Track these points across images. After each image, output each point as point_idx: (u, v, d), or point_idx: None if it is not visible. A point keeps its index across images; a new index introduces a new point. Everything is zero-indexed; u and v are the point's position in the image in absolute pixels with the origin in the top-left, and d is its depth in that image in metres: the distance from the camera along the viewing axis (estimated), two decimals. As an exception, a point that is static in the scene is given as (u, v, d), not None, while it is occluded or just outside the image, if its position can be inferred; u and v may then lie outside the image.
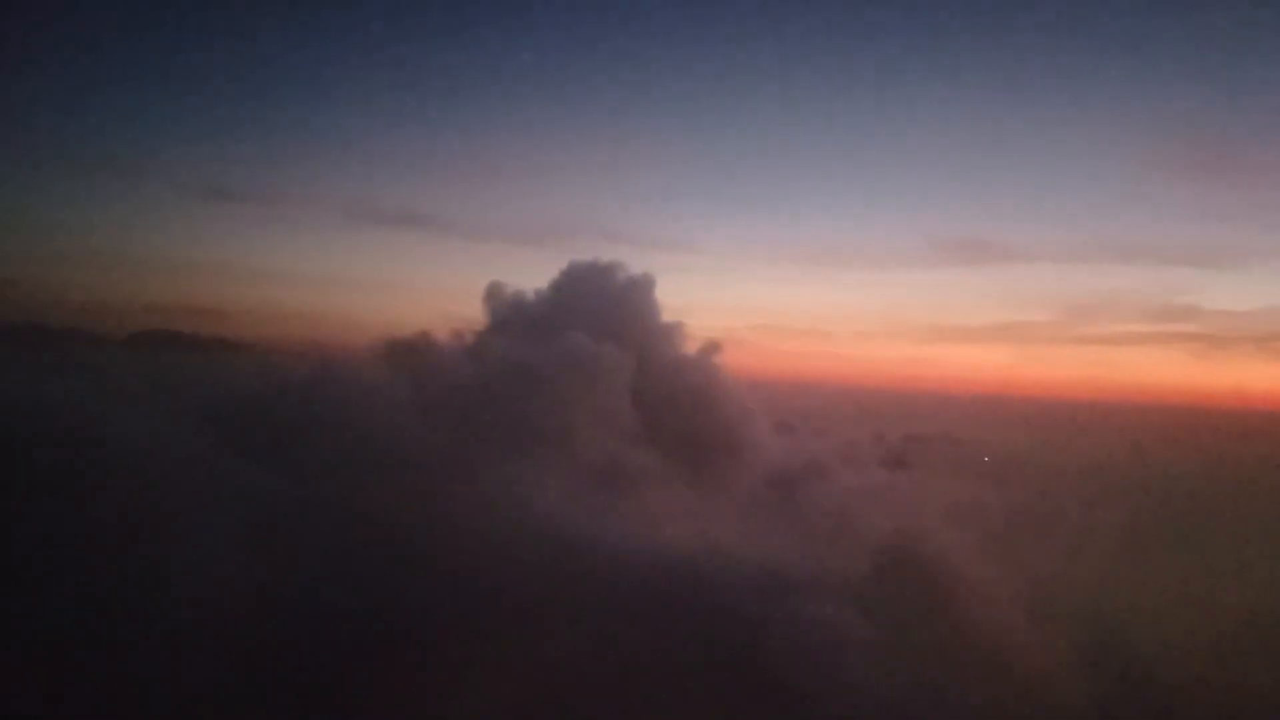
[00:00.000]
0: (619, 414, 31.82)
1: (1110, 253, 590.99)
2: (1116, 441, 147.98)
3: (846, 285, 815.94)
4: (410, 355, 35.66)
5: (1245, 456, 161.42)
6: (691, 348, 41.43)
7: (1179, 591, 55.23)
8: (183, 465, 25.61)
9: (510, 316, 38.84)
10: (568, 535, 24.41)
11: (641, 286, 40.17)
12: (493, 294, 39.14)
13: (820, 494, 46.16)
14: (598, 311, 38.22)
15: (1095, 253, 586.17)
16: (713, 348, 40.84)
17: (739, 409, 40.21)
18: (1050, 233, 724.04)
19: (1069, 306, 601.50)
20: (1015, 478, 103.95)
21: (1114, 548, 63.36)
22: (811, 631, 22.77)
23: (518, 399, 30.24)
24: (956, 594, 28.08)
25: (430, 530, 23.77)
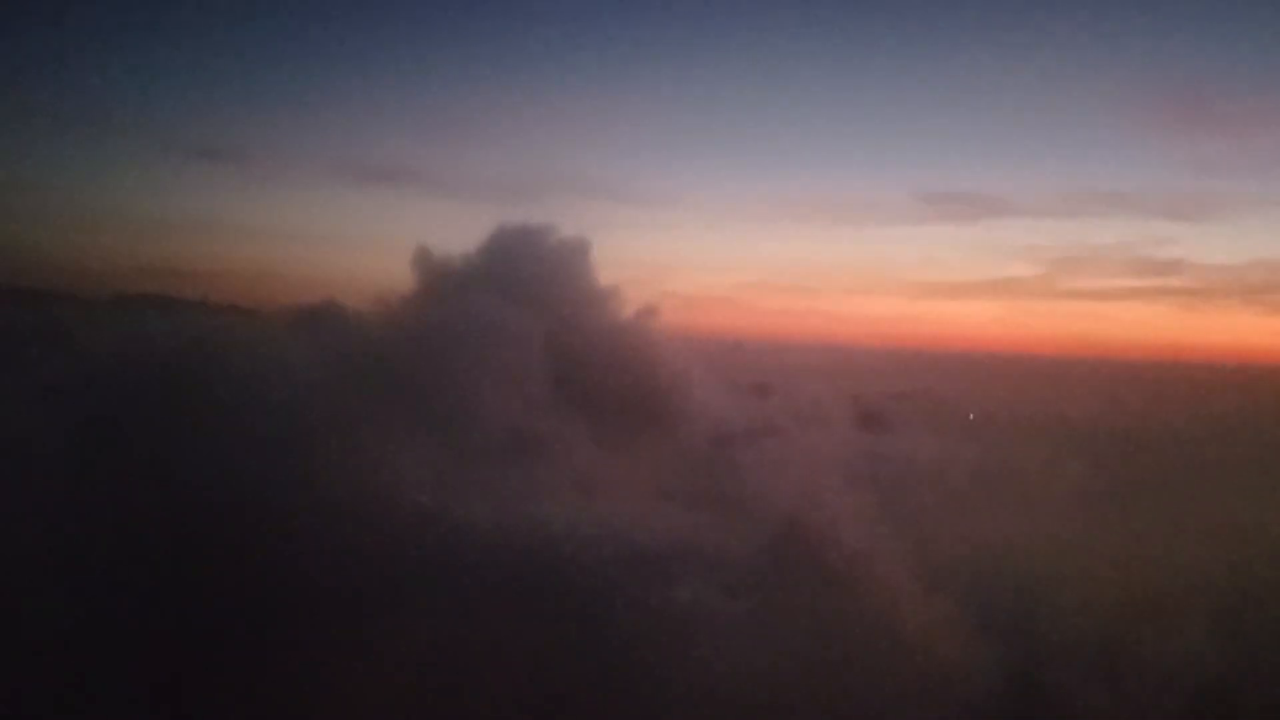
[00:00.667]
0: (527, 382, 30.38)
1: (1096, 206, 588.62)
2: (1101, 397, 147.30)
3: (832, 241, 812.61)
4: (317, 322, 34.30)
5: (1230, 410, 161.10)
6: (629, 312, 39.90)
7: (1142, 550, 54.57)
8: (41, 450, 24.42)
9: (435, 282, 37.34)
10: (437, 514, 23.16)
11: (575, 249, 38.62)
12: (420, 258, 37.57)
13: (763, 459, 45.16)
14: (526, 276, 36.68)
15: (1081, 207, 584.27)
16: (649, 311, 39.61)
17: (678, 374, 38.81)
18: (1036, 187, 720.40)
19: (1056, 261, 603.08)
20: (996, 435, 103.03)
21: (1087, 506, 62.62)
22: (684, 610, 21.82)
23: (411, 368, 28.84)
24: (869, 562, 27.18)
25: (287, 513, 22.56)
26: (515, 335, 31.37)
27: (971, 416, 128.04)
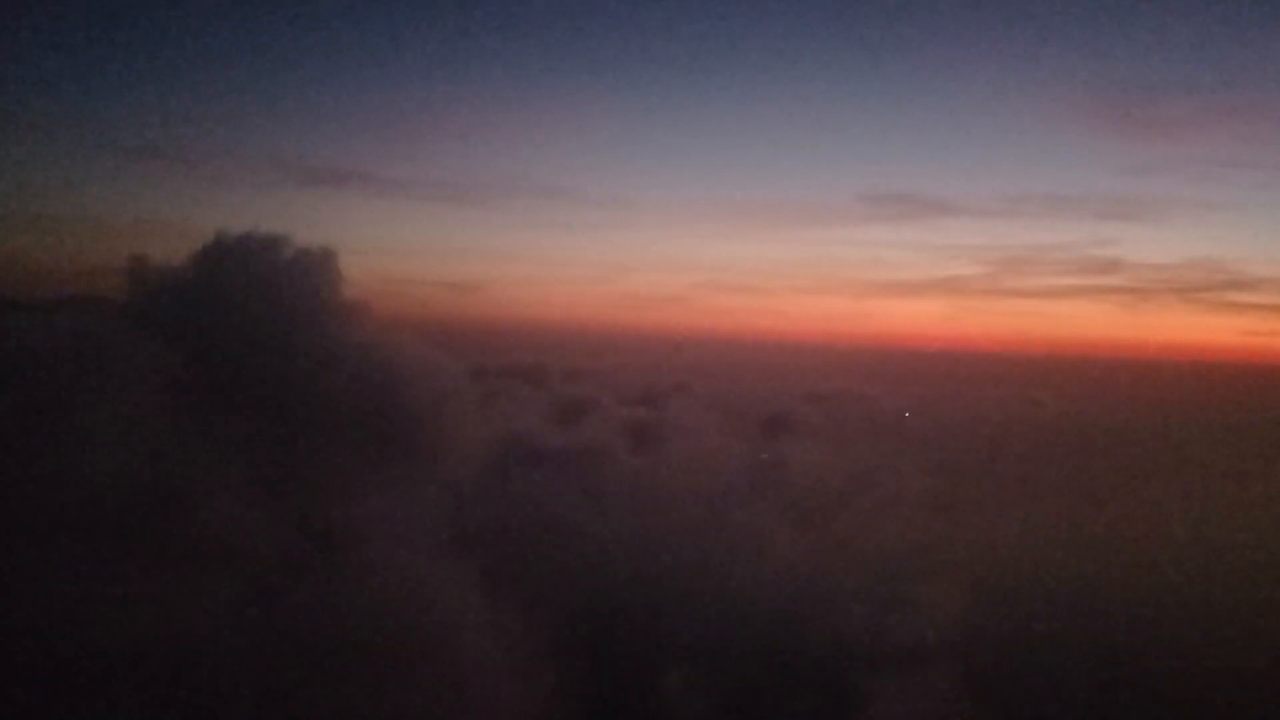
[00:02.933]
0: (148, 412, 26.99)
1: (1037, 208, 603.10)
2: (1027, 395, 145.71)
3: (782, 242, 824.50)
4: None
5: (1169, 405, 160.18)
6: (380, 328, 36.69)
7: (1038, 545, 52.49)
8: None
9: (149, 296, 33.98)
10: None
11: (312, 262, 35.37)
12: (134, 271, 34.20)
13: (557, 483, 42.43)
14: (248, 290, 33.43)
15: (1022, 207, 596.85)
16: (395, 326, 36.44)
17: (435, 393, 35.72)
18: (978, 189, 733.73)
19: (999, 261, 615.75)
20: (912, 435, 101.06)
21: (951, 506, 60.36)
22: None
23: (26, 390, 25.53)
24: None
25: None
26: (127, 358, 27.83)
27: (907, 415, 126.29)
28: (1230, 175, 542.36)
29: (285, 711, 20.35)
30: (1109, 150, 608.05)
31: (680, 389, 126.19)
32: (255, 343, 31.62)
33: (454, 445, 36.74)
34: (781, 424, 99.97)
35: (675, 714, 27.51)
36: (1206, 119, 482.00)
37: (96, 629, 20.71)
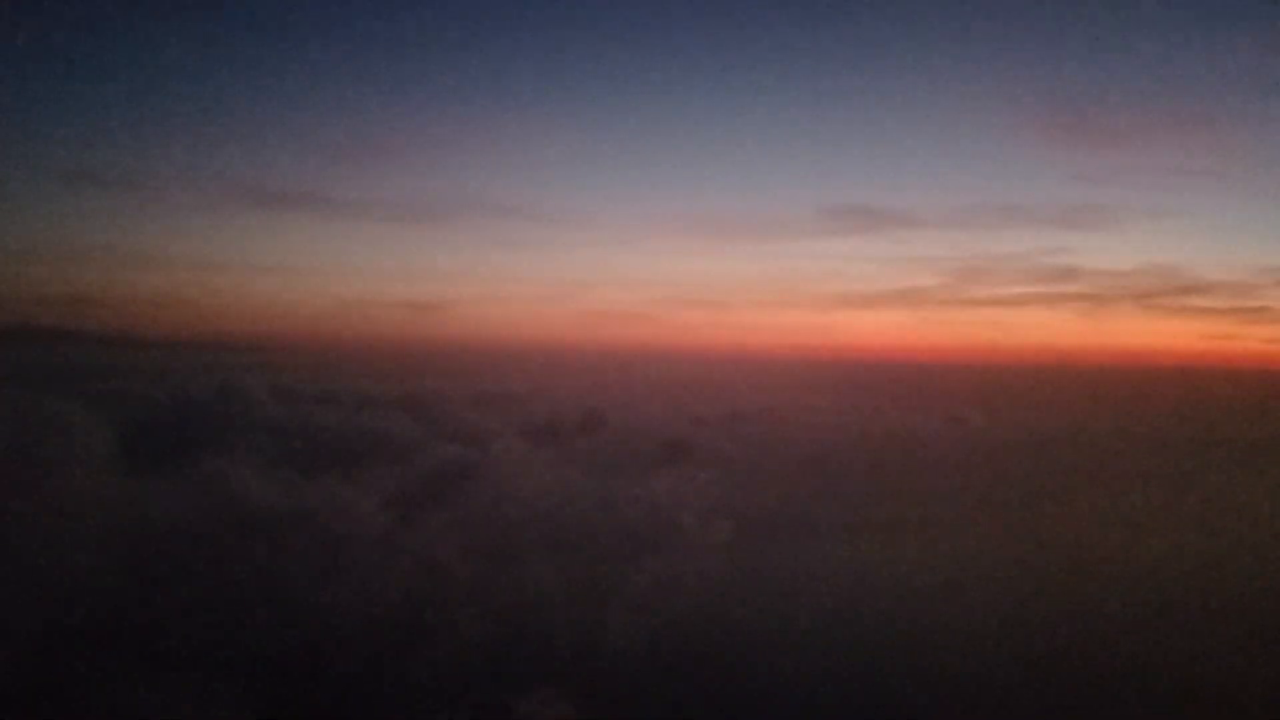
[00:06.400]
0: None
1: (991, 217, 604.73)
2: (952, 409, 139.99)
3: (743, 255, 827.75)
4: None
5: (1128, 410, 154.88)
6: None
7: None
8: None
9: None
10: None
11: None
12: None
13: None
14: None
15: (977, 217, 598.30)
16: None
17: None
18: (936, 200, 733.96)
19: (958, 271, 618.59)
20: (804, 456, 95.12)
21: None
22: None
23: None
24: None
25: None
26: None
27: (858, 428, 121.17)
28: (1181, 183, 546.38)
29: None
30: (1061, 160, 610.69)
31: (591, 416, 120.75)
32: None
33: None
34: (679, 450, 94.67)
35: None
36: (1156, 129, 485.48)
37: None
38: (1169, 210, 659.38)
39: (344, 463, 61.98)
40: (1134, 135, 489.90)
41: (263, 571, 36.65)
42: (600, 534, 48.68)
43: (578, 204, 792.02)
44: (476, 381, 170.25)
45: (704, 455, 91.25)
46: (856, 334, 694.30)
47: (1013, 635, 36.38)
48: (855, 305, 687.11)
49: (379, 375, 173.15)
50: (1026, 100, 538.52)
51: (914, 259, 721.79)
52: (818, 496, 69.73)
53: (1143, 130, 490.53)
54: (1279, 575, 46.91)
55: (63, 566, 32.11)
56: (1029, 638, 36.24)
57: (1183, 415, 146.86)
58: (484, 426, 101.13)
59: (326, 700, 30.53)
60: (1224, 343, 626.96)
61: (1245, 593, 42.42)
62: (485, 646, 33.48)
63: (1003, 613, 39.16)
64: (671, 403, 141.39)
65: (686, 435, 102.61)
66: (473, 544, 42.88)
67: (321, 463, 62.35)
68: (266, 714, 28.05)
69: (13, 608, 28.72)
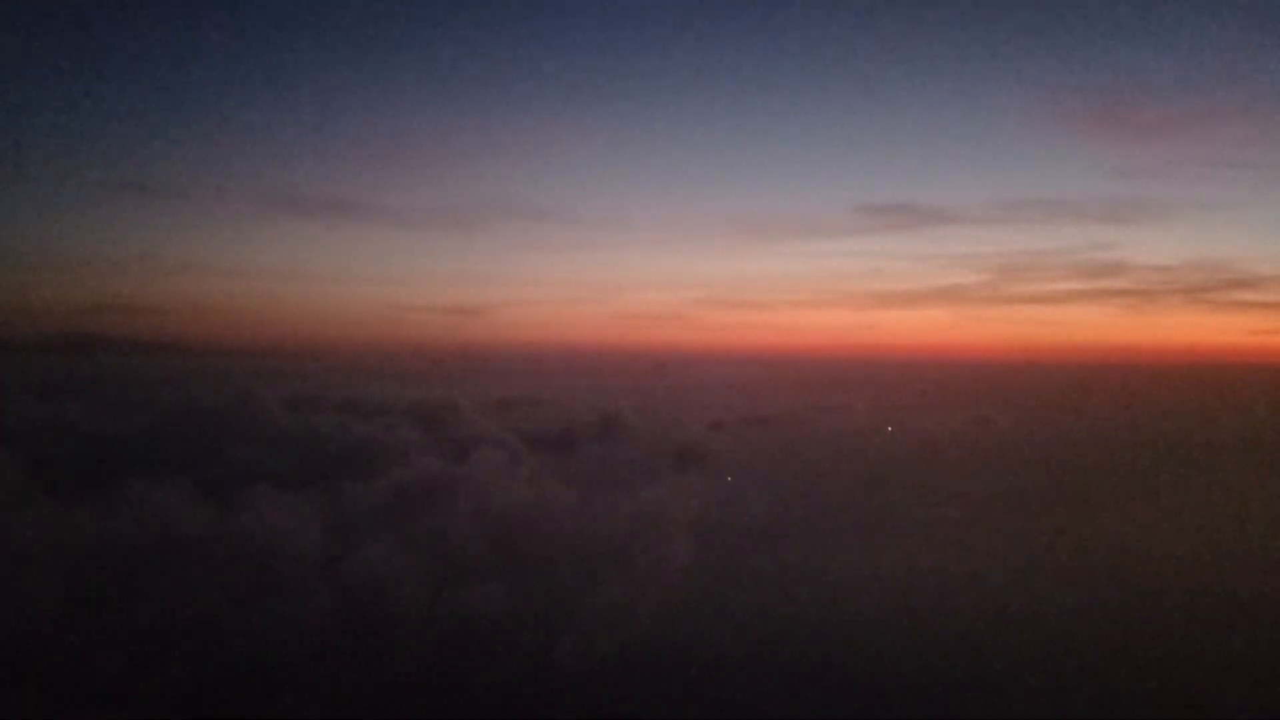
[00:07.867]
0: None
1: (1033, 212, 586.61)
2: (1042, 400, 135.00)
3: (779, 255, 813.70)
4: None
5: (1180, 409, 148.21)
6: None
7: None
8: None
9: None
10: None
11: None
12: None
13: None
14: None
15: (1018, 213, 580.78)
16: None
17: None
18: (975, 195, 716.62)
19: (1000, 268, 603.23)
20: (815, 464, 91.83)
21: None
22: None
23: None
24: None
25: None
26: None
27: (890, 429, 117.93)
28: (1228, 175, 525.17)
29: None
30: (1105, 154, 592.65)
31: (609, 421, 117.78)
32: None
33: None
34: (688, 457, 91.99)
35: None
36: (1201, 120, 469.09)
37: None
38: (1216, 203, 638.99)
39: (320, 476, 60.56)
40: (1179, 127, 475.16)
41: (186, 593, 35.02)
42: (558, 554, 46.05)
43: (611, 206, 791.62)
44: (504, 386, 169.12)
45: (712, 463, 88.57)
46: (896, 333, 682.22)
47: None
48: (894, 304, 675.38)
49: (410, 380, 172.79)
50: (1067, 93, 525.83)
51: (954, 256, 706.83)
52: (816, 504, 66.97)
53: (1187, 122, 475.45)
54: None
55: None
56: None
57: (1231, 413, 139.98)
58: (484, 435, 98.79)
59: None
60: (1274, 338, 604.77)
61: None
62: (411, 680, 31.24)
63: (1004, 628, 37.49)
64: (695, 406, 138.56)
65: (700, 441, 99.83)
66: (414, 567, 40.55)
67: (303, 475, 61.03)
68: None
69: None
